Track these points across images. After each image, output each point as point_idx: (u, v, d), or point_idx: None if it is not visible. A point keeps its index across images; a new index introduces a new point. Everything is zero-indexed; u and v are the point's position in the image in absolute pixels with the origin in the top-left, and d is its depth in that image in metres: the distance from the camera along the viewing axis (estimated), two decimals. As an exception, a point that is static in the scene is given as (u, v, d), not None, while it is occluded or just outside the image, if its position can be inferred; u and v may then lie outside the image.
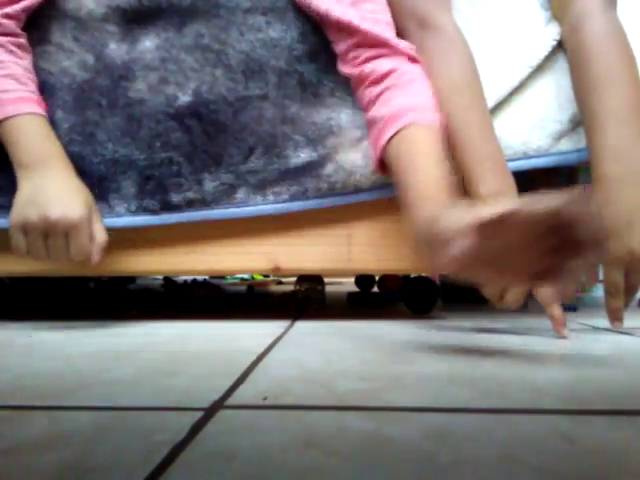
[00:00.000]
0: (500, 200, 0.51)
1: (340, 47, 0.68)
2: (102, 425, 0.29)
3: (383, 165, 0.64)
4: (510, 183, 0.64)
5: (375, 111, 0.63)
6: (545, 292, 0.60)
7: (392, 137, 0.58)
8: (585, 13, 0.67)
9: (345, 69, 0.68)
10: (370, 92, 0.64)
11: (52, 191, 0.61)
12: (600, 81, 0.64)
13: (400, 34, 0.70)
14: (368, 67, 0.65)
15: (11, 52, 0.65)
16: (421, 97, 0.62)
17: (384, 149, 0.60)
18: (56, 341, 0.60)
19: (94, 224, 0.63)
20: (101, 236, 0.63)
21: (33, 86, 0.66)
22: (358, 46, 0.66)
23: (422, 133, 0.56)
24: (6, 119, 0.62)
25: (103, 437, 0.27)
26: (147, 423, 0.30)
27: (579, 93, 0.67)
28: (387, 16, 0.68)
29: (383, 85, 0.63)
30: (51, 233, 0.60)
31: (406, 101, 0.60)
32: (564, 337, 0.60)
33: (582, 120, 0.67)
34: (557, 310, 0.61)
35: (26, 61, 0.67)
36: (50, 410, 0.32)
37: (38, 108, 0.65)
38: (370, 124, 0.66)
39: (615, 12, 0.68)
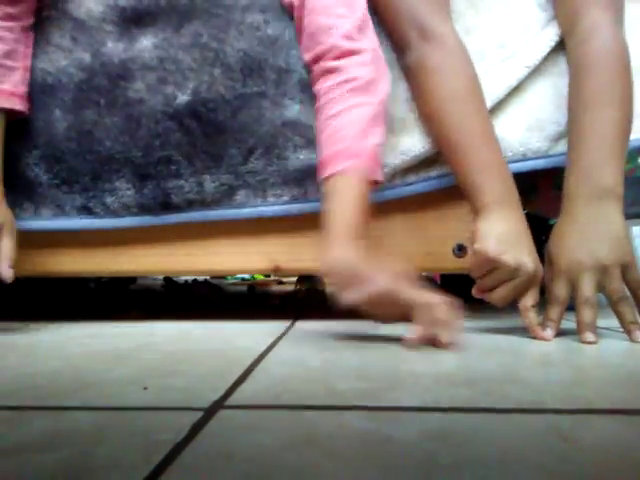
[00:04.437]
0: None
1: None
2: (102, 425, 0.29)
3: None
4: (512, 191, 0.64)
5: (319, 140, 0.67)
6: (523, 301, 0.61)
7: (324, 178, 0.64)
8: (595, 27, 0.67)
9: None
10: (318, 117, 0.67)
11: None
12: (593, 100, 0.65)
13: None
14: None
15: None
16: (352, 129, 0.63)
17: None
18: (56, 341, 0.60)
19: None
20: (6, 252, 0.64)
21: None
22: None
23: (343, 182, 0.62)
24: None
25: (103, 437, 0.27)
26: (147, 423, 0.30)
27: (571, 107, 0.68)
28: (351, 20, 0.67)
29: (326, 113, 0.65)
30: None
31: (335, 148, 0.63)
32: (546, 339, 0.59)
33: (567, 132, 0.68)
34: (531, 316, 0.61)
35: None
36: (50, 410, 0.32)
37: None
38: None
39: (622, 30, 0.69)
